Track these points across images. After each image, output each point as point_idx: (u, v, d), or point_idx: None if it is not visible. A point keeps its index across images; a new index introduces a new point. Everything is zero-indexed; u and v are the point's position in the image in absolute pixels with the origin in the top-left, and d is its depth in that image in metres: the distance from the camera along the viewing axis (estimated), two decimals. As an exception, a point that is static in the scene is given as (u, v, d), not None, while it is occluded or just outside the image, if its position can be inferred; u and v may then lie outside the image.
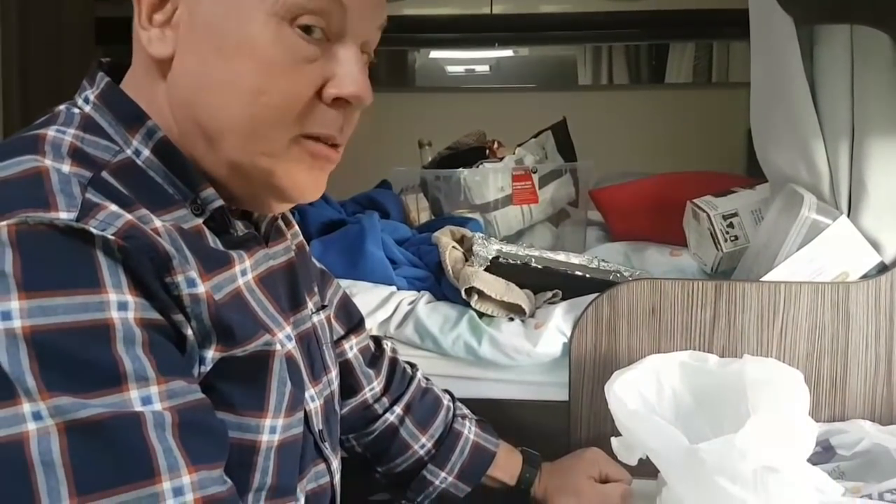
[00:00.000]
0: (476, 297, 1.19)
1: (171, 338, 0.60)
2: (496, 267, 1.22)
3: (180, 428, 0.56)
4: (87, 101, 0.67)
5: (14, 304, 0.52)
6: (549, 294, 1.24)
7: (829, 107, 1.08)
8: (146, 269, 0.58)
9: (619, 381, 0.96)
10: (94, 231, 0.55)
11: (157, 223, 0.61)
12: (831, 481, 0.95)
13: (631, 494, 1.00)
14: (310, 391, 0.75)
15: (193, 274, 0.61)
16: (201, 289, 0.61)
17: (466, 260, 1.25)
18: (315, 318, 0.81)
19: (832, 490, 0.94)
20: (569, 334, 1.12)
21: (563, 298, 1.22)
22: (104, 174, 0.61)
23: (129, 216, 0.58)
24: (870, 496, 0.95)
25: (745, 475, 0.85)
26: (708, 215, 1.29)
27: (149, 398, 0.55)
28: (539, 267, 1.23)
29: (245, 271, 0.70)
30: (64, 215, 0.55)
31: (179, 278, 0.60)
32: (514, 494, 1.01)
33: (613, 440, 0.96)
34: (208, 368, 0.63)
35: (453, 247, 1.26)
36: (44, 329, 0.52)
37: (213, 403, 0.62)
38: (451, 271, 1.22)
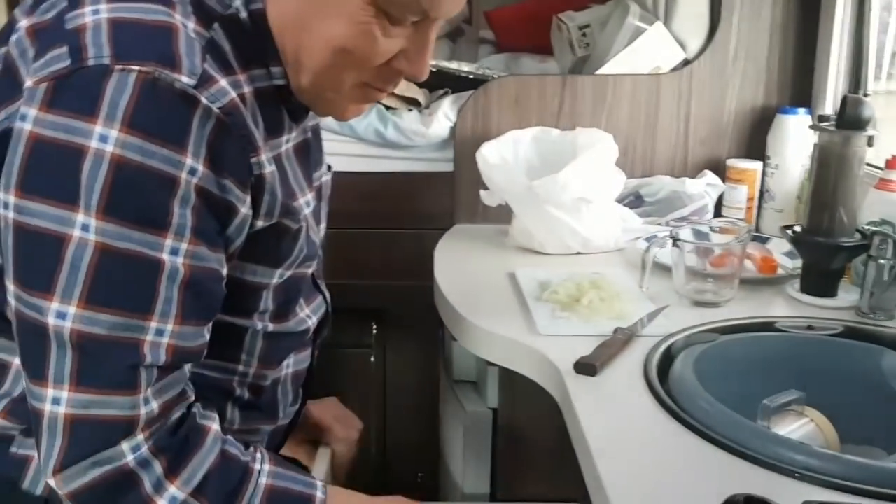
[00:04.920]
0: (382, 94, 1.49)
1: (219, 211, 0.68)
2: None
3: (187, 285, 0.66)
4: None
5: (114, 133, 0.62)
6: (441, 91, 1.55)
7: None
8: (236, 147, 0.67)
9: (486, 147, 1.31)
10: (204, 101, 0.64)
11: (246, 89, 0.69)
12: (633, 213, 1.35)
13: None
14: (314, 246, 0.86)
15: (264, 154, 0.70)
16: (272, 167, 0.72)
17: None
18: (324, 179, 0.91)
19: (633, 219, 1.34)
20: (454, 120, 1.45)
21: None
22: (216, 30, 0.68)
23: (233, 94, 0.66)
24: (659, 224, 1.35)
25: (566, 203, 1.23)
26: (567, 27, 1.61)
27: (177, 251, 0.65)
28: (433, 70, 1.54)
29: (289, 139, 0.78)
30: (185, 80, 0.63)
31: (263, 158, 0.69)
32: None
33: (482, 192, 1.32)
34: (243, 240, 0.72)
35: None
36: (129, 161, 0.62)
37: (248, 255, 0.74)
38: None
